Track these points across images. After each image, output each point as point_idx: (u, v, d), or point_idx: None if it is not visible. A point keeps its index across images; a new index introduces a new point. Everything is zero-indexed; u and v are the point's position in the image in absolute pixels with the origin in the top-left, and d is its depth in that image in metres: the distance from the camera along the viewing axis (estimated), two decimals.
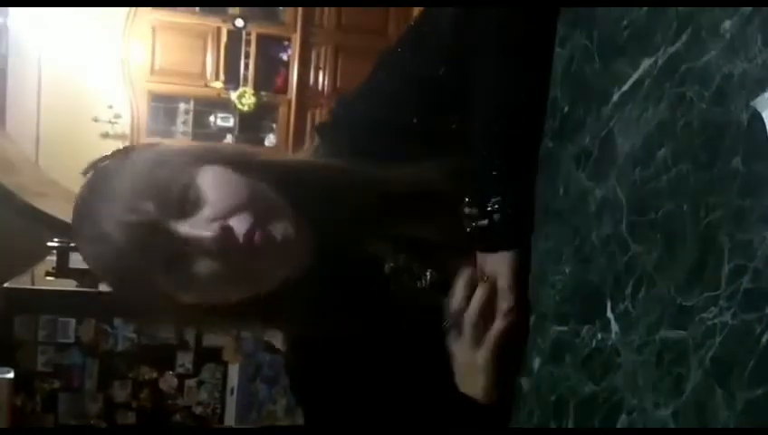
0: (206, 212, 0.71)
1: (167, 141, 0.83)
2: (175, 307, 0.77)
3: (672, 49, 0.55)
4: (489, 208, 0.73)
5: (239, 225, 0.70)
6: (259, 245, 0.70)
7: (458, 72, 0.78)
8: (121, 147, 0.80)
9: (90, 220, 0.73)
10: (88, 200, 0.74)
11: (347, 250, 0.81)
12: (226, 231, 0.69)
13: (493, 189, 0.74)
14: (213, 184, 0.73)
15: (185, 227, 0.70)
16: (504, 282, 0.73)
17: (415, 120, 0.81)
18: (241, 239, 0.70)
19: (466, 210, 0.76)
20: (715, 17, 0.50)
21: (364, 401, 0.85)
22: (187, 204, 0.71)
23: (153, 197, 0.70)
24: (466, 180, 0.76)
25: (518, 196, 0.74)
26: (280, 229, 0.72)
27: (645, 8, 0.59)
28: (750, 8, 0.47)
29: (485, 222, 0.74)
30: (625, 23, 0.62)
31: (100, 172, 0.76)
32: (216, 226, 0.70)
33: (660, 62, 0.56)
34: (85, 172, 0.78)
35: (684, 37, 0.54)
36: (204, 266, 0.71)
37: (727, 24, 0.49)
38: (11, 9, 4.83)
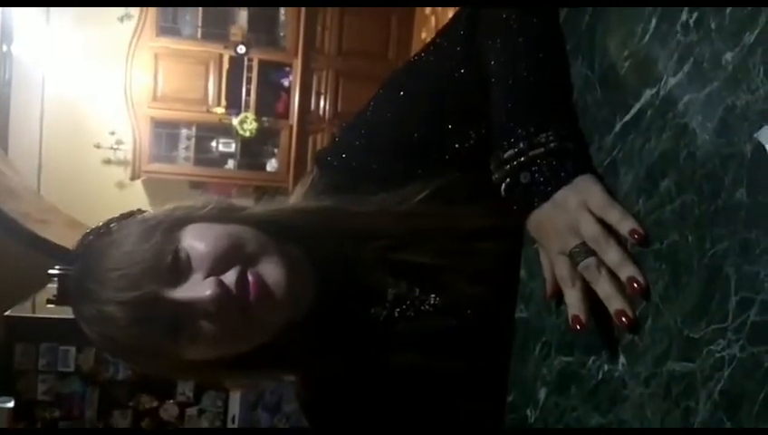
0: (198, 271, 0.71)
1: (148, 210, 0.82)
2: (183, 366, 0.77)
3: (673, 80, 0.55)
4: (542, 140, 0.65)
5: (234, 278, 0.70)
6: (257, 293, 0.70)
7: (478, 67, 0.76)
8: (100, 223, 0.79)
9: (89, 302, 0.73)
10: (83, 282, 0.74)
11: (347, 284, 0.80)
12: (221, 287, 0.69)
13: (539, 124, 0.66)
14: (199, 241, 0.72)
15: (180, 292, 0.70)
16: (599, 200, 0.61)
17: (426, 136, 0.80)
18: (235, 291, 0.69)
19: (507, 152, 0.67)
20: (717, 49, 0.50)
21: (380, 428, 0.85)
22: (179, 268, 0.71)
23: (146, 270, 0.70)
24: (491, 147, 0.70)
25: (567, 127, 0.67)
26: (273, 272, 0.71)
27: (645, 39, 0.60)
28: (751, 40, 0.47)
29: (541, 150, 0.65)
30: (626, 53, 0.63)
31: (89, 252, 0.76)
32: (209, 283, 0.69)
33: (662, 92, 0.56)
34: (76, 249, 0.78)
35: (685, 68, 0.54)
36: (207, 325, 0.70)
37: (729, 55, 0.49)
38: (14, 36, 4.88)
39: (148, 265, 0.70)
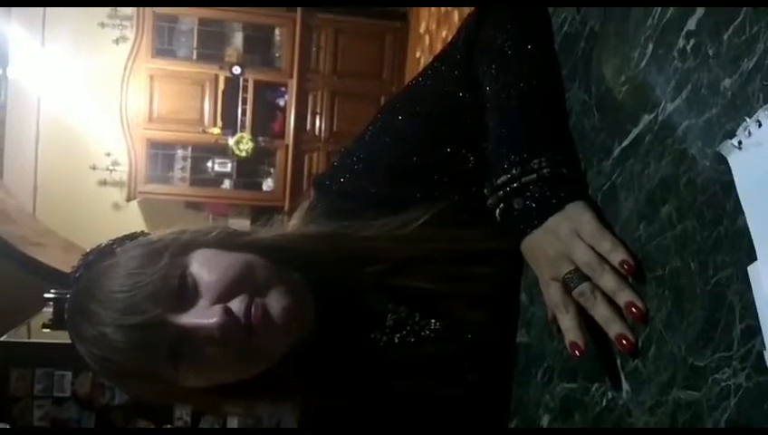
0: (205, 298, 0.70)
1: (148, 232, 0.80)
2: (180, 392, 0.76)
3: (672, 106, 0.55)
4: (534, 166, 0.66)
5: (240, 306, 0.69)
6: (263, 322, 0.69)
7: (475, 92, 0.76)
8: (102, 243, 0.78)
9: (89, 324, 0.71)
10: (84, 303, 0.73)
11: (347, 310, 0.79)
12: (229, 314, 0.68)
13: (531, 150, 0.67)
14: (207, 268, 0.71)
15: (186, 318, 0.69)
16: (590, 228, 0.61)
17: (425, 160, 0.80)
18: (243, 320, 0.69)
19: (501, 178, 0.68)
20: (715, 75, 0.50)
21: None
22: (185, 294, 0.70)
23: (152, 294, 0.69)
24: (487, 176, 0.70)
25: (561, 153, 0.67)
26: (280, 301, 0.71)
27: (642, 64, 0.60)
28: (750, 67, 0.47)
29: (533, 176, 0.65)
30: (622, 78, 0.63)
31: (90, 273, 0.75)
32: (216, 310, 0.68)
33: (661, 118, 0.56)
34: (75, 271, 0.77)
35: (684, 94, 0.54)
36: (210, 352, 0.70)
37: (727, 82, 0.49)
38: (9, 59, 4.89)
39: (154, 289, 0.69)
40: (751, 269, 0.44)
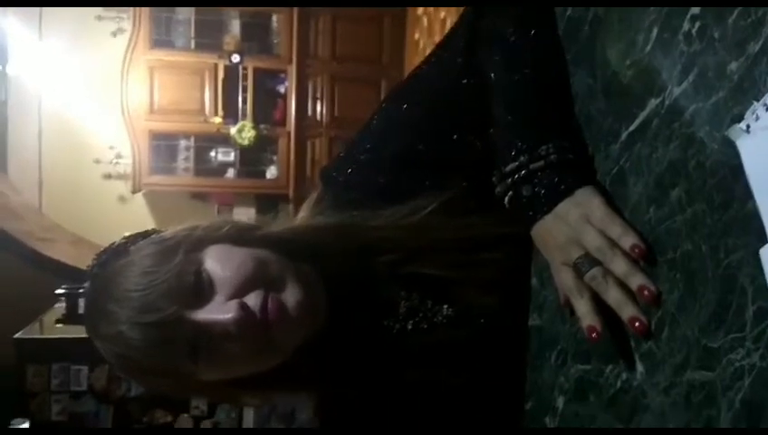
0: (221, 293, 0.71)
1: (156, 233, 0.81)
2: (198, 386, 0.77)
3: (678, 90, 0.55)
4: (542, 153, 0.66)
5: (255, 301, 0.70)
6: (278, 317, 0.70)
7: (479, 78, 0.77)
8: (115, 242, 0.79)
9: (107, 323, 0.72)
10: (101, 302, 0.73)
11: (360, 300, 0.80)
12: (244, 309, 0.69)
13: (539, 137, 0.67)
14: (221, 264, 0.72)
15: (203, 314, 0.70)
16: (600, 213, 0.62)
17: (431, 148, 0.80)
18: (259, 315, 0.70)
19: (509, 166, 0.68)
20: (721, 59, 0.51)
21: None
22: (200, 290, 0.71)
23: (168, 291, 0.70)
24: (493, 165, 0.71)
25: (568, 139, 0.68)
26: (294, 295, 0.72)
27: (647, 48, 0.60)
28: (756, 50, 0.47)
29: (541, 163, 0.66)
30: (628, 62, 0.63)
31: (106, 272, 0.75)
32: (232, 305, 0.69)
33: (667, 102, 0.57)
34: (90, 270, 0.78)
35: (690, 78, 0.54)
36: (227, 347, 0.71)
37: (734, 65, 0.49)
38: (10, 56, 4.89)
39: (170, 286, 0.70)
40: (762, 252, 0.44)
